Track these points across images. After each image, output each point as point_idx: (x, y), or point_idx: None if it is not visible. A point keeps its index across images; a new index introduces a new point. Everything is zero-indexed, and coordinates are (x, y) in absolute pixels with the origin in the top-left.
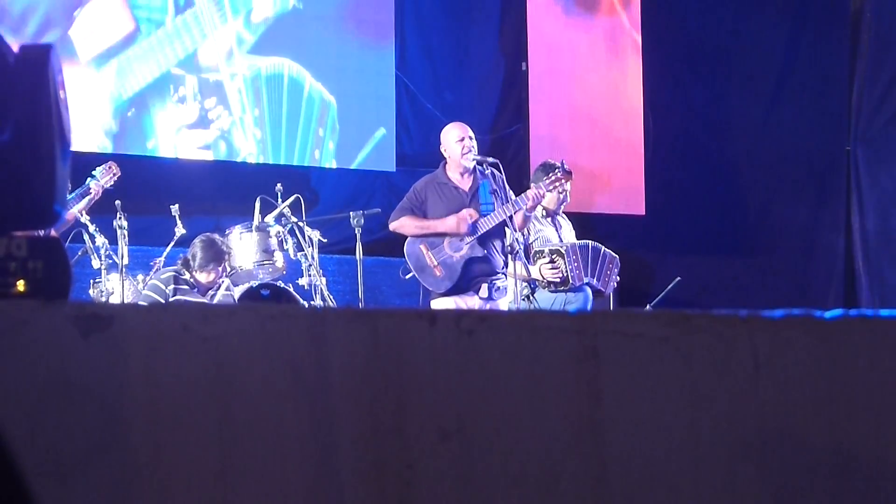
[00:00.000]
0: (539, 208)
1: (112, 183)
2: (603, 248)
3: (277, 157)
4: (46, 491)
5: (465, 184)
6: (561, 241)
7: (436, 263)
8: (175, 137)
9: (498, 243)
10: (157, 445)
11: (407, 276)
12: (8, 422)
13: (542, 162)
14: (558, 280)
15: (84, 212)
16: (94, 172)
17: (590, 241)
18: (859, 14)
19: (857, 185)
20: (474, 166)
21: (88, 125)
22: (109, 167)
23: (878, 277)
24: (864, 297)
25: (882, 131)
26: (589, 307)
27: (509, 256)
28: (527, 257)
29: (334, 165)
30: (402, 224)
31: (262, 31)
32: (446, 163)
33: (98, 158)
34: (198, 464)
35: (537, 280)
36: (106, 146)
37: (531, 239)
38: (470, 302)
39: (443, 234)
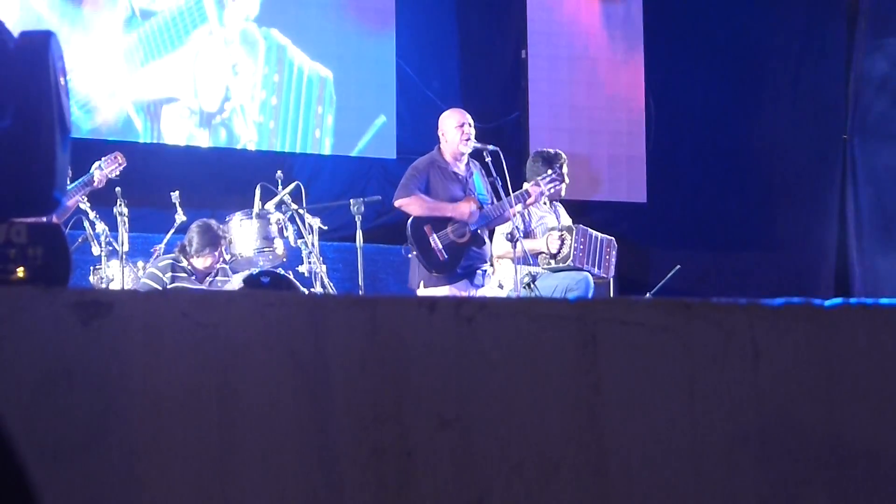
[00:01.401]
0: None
1: (117, 173)
2: (598, 234)
3: (276, 143)
4: (46, 477)
5: (461, 170)
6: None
7: (440, 247)
8: (174, 124)
9: (487, 232)
10: (156, 432)
11: (410, 256)
12: (8, 408)
13: (536, 151)
14: (556, 250)
15: (85, 197)
16: (99, 162)
17: (585, 227)
18: (856, 4)
19: (853, 174)
20: (466, 154)
21: (92, 110)
22: (115, 157)
23: (870, 268)
24: (856, 286)
25: (878, 120)
26: (590, 295)
27: (509, 244)
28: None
29: (331, 151)
30: (410, 202)
31: (260, 15)
32: (440, 146)
33: (99, 144)
34: (197, 450)
35: (540, 252)
36: (107, 131)
37: (533, 225)
38: (461, 290)
39: (449, 219)
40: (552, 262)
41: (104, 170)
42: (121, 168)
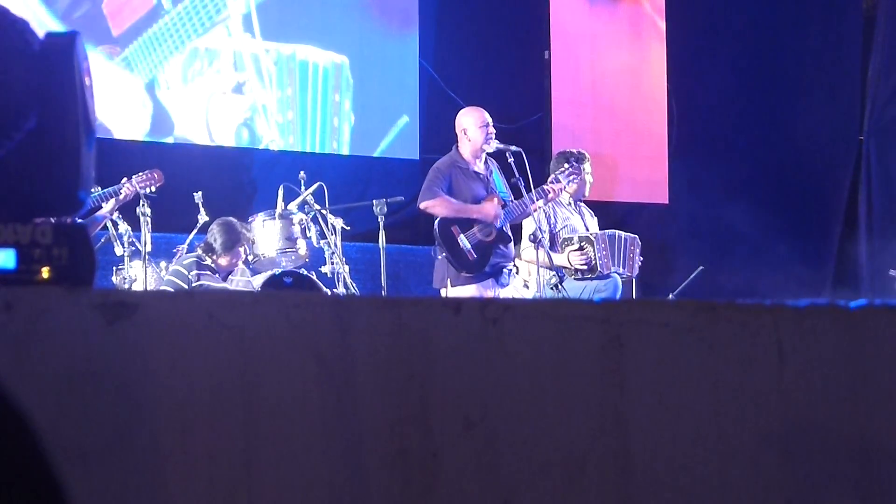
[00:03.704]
0: (565, 195)
1: (153, 189)
2: (621, 233)
3: (298, 142)
4: (72, 477)
5: (481, 168)
6: (587, 228)
7: (469, 246)
8: (197, 123)
9: (510, 231)
10: (182, 433)
11: (439, 257)
12: (34, 409)
13: (559, 151)
14: (585, 267)
15: (116, 211)
16: (133, 176)
17: (610, 230)
18: (874, 6)
19: (868, 175)
20: (486, 153)
21: (115, 108)
22: (152, 174)
23: (881, 270)
24: (864, 288)
25: (895, 122)
26: (618, 296)
27: (532, 245)
28: (552, 245)
29: (350, 139)
30: (436, 204)
31: (284, 14)
32: (459, 146)
33: (128, 146)
34: (223, 451)
35: (564, 268)
36: (134, 132)
37: (558, 227)
38: (488, 288)
39: (475, 219)
40: (579, 274)
41: (135, 183)
42: (157, 185)
